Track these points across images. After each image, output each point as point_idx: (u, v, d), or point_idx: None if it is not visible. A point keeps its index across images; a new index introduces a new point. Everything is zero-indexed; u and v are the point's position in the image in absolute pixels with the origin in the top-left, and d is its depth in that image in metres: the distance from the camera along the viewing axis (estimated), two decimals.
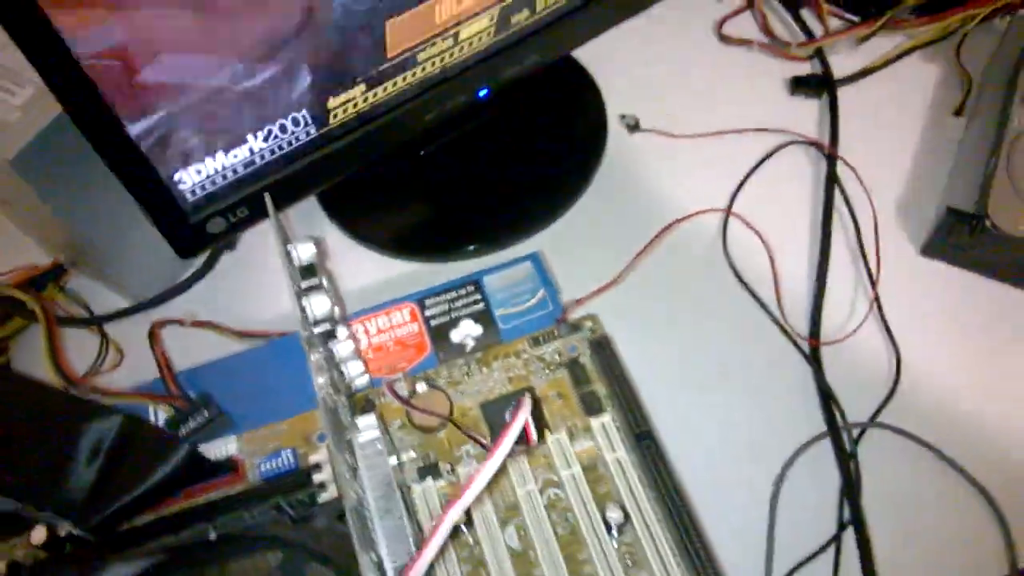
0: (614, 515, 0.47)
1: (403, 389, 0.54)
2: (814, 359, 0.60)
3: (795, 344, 0.60)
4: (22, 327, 0.64)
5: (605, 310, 0.58)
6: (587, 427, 0.52)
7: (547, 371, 0.55)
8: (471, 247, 0.66)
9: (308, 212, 0.70)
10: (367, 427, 0.49)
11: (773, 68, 0.77)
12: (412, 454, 0.51)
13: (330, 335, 0.49)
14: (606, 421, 0.51)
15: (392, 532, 0.41)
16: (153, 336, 0.56)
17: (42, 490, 0.50)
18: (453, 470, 0.51)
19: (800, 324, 0.61)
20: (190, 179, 0.50)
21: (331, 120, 0.54)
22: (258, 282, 0.66)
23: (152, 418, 0.55)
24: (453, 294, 0.60)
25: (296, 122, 0.52)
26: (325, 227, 0.70)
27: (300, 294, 0.46)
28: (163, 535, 0.47)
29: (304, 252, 0.45)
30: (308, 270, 0.46)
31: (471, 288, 0.60)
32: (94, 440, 0.50)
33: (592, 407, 0.53)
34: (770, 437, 0.56)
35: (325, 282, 0.49)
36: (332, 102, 0.53)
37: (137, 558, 0.46)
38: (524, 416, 0.39)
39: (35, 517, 0.50)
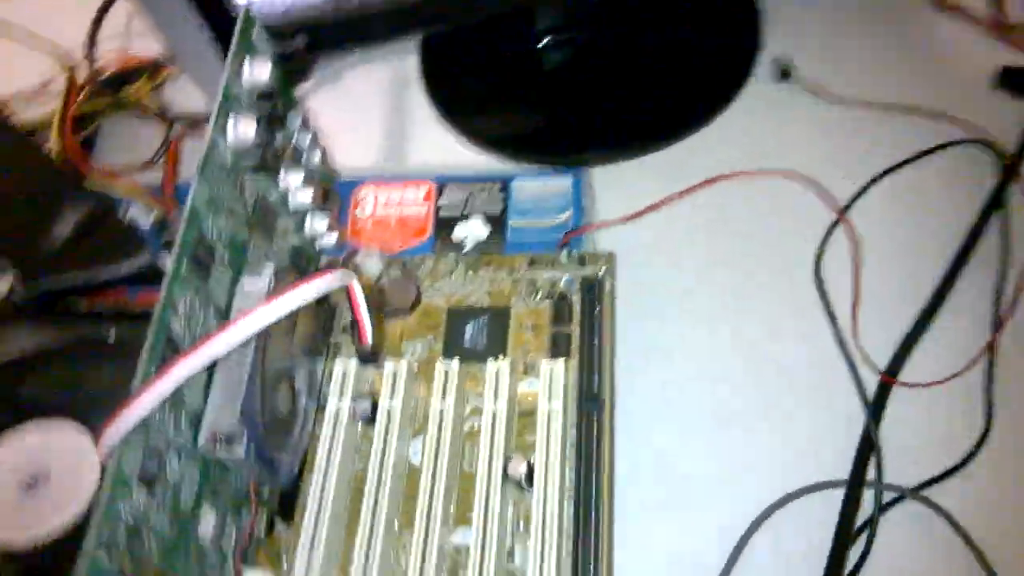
0: (515, 469, 0.39)
1: (375, 266, 0.48)
2: (879, 397, 0.47)
3: (854, 372, 0.48)
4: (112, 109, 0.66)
5: (634, 254, 0.49)
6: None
7: (532, 297, 0.47)
8: (555, 155, 0.58)
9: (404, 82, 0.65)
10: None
11: (982, 50, 0.60)
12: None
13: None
14: (556, 368, 0.43)
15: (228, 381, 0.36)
16: (170, 143, 0.54)
17: (16, 245, 0.50)
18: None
19: (875, 351, 0.48)
20: None
21: None
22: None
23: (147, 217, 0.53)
24: (477, 187, 0.53)
25: None
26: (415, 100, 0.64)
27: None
28: (78, 321, 0.46)
29: (260, 72, 0.40)
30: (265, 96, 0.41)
31: (497, 187, 0.53)
32: (67, 212, 0.50)
33: (558, 351, 0.44)
34: (766, 467, 0.45)
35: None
36: None
37: (44, 332, 0.45)
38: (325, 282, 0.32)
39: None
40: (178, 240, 0.35)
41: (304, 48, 0.55)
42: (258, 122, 0.39)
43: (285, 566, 0.40)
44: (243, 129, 0.38)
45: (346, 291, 0.40)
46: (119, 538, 0.29)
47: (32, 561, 0.29)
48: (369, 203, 0.53)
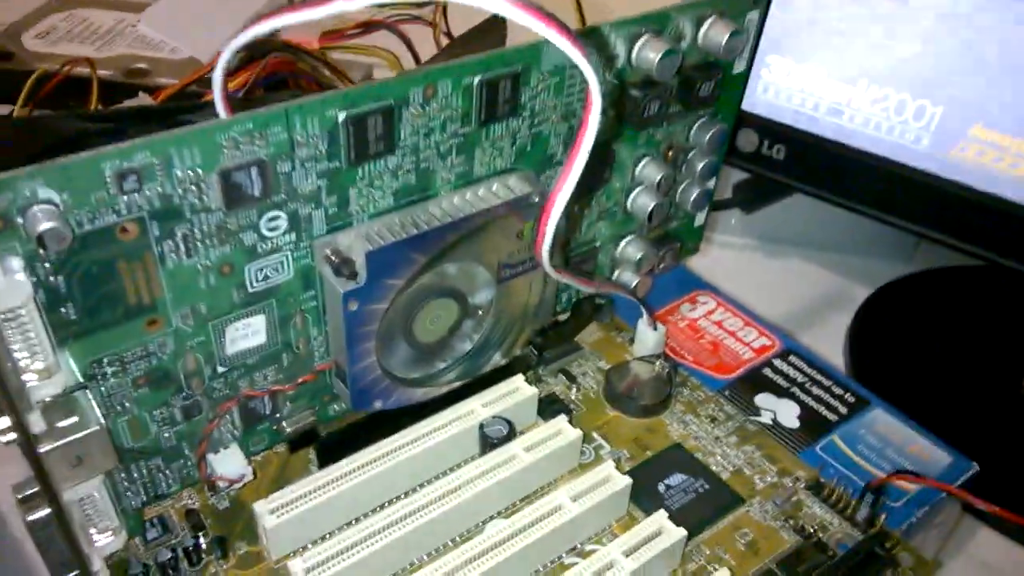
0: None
1: (649, 338, 0.37)
2: None
3: None
4: None
5: None
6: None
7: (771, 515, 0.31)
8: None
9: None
10: None
11: None
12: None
13: None
14: None
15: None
16: None
17: None
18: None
19: None
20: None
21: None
22: None
23: None
24: (828, 382, 0.39)
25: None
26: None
27: None
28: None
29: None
30: None
31: (852, 399, 0.38)
32: None
33: None
34: None
35: None
36: None
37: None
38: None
39: None
40: None
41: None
42: None
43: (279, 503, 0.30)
44: None
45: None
46: None
47: None
48: (701, 310, 0.43)
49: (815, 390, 0.38)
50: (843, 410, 0.38)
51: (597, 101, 0.24)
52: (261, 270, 0.27)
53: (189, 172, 0.24)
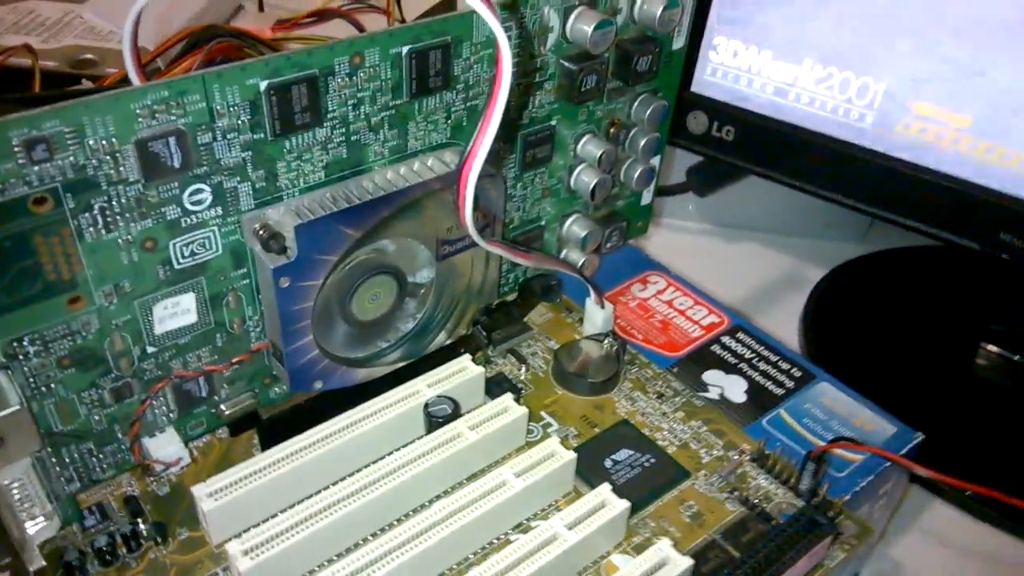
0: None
1: (598, 317, 0.37)
2: None
3: None
4: None
5: None
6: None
7: (715, 485, 0.31)
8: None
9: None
10: None
11: None
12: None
13: None
14: None
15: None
16: None
17: None
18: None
19: None
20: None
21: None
22: None
23: None
24: (776, 357, 0.39)
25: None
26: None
27: None
28: None
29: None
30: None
31: (799, 373, 0.38)
32: None
33: None
34: None
35: None
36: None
37: None
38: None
39: None
40: None
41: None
42: None
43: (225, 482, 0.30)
44: None
45: None
46: None
47: None
48: (652, 290, 0.43)
49: (762, 365, 0.39)
50: (790, 384, 0.38)
51: (506, 50, 0.23)
52: (187, 246, 0.27)
53: (103, 142, 0.23)
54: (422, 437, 0.33)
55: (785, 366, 0.39)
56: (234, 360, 0.30)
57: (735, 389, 0.37)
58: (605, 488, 0.30)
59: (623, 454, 0.33)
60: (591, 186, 0.35)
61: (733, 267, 0.55)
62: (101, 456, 0.29)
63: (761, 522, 0.31)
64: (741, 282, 0.53)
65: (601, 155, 0.35)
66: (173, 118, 0.24)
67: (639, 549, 0.30)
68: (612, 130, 0.36)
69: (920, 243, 0.54)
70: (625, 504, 0.29)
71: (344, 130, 0.28)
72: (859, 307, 0.52)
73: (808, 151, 0.46)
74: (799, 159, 0.46)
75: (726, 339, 0.40)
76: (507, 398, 0.33)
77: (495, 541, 0.30)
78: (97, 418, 0.28)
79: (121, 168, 0.24)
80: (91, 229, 0.24)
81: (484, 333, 0.37)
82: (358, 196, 0.28)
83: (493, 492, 0.29)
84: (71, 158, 0.23)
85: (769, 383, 0.38)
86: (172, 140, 0.24)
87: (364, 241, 0.29)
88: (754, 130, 0.47)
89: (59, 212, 0.23)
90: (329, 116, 0.27)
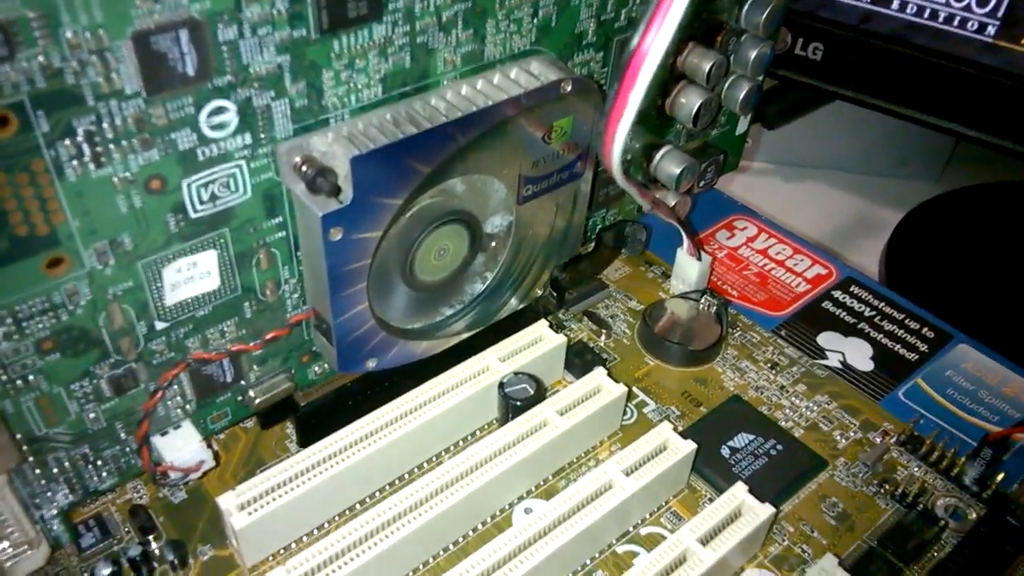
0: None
1: (691, 270, 0.31)
2: None
3: None
4: None
5: None
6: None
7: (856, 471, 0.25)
8: None
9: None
10: None
11: None
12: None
13: None
14: None
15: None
16: None
17: None
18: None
19: None
20: None
21: None
22: None
23: None
24: (900, 315, 0.33)
25: None
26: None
27: None
28: None
29: None
30: None
31: (931, 334, 0.32)
32: None
33: None
34: None
35: None
36: None
37: None
38: None
39: None
40: None
41: None
42: None
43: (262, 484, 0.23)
44: None
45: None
46: None
47: None
48: (741, 237, 0.36)
49: (887, 325, 0.32)
50: (923, 347, 0.32)
51: None
52: (206, 187, 0.20)
53: (86, 35, 0.16)
54: (496, 426, 0.26)
55: (914, 325, 0.32)
56: (268, 336, 0.23)
57: (858, 355, 0.31)
58: (741, 489, 0.24)
59: (741, 439, 0.27)
60: (695, 108, 0.28)
61: (797, 208, 0.49)
62: (100, 463, 0.23)
63: (925, 523, 0.25)
64: (809, 224, 0.47)
65: (711, 67, 0.28)
66: (185, 2, 0.17)
67: (778, 563, 0.24)
68: (719, 38, 0.29)
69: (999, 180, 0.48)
70: (769, 510, 0.23)
71: (408, 28, 0.21)
72: (944, 249, 0.45)
73: (913, 71, 0.39)
74: (901, 80, 0.40)
75: (838, 294, 0.34)
76: (599, 374, 0.27)
77: (597, 556, 0.24)
78: (93, 416, 0.22)
79: (113, 74, 0.17)
80: (74, 163, 0.17)
81: (554, 293, 0.30)
82: (428, 119, 0.21)
83: (600, 496, 0.23)
84: (40, 57, 0.16)
85: (898, 346, 0.32)
86: (183, 35, 0.17)
87: (433, 179, 0.22)
88: (848, 47, 0.40)
89: (27, 138, 0.16)
90: (390, 8, 0.20)
